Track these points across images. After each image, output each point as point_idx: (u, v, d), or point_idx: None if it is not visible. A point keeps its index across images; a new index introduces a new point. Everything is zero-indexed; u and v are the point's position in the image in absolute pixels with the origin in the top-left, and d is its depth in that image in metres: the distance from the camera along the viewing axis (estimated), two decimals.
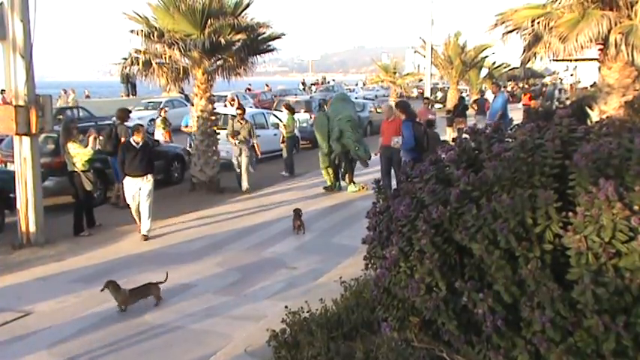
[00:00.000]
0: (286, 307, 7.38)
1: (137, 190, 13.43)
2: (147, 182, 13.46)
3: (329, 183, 17.90)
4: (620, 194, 3.65)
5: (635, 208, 3.61)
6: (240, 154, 18.48)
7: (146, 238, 13.30)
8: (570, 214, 3.78)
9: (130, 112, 18.53)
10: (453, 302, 4.16)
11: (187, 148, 20.54)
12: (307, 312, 7.07)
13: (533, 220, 3.90)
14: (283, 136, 22.04)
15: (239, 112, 19.17)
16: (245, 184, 18.40)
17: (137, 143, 13.48)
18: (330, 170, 17.90)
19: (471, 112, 27.23)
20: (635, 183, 3.73)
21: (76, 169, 13.56)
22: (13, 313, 9.16)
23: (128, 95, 47.22)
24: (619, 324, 3.47)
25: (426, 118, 19.75)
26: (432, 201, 4.55)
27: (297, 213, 13.77)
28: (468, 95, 46.95)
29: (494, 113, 21.01)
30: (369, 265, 5.29)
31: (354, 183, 17.86)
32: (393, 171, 15.96)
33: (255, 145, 19.05)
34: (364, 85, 77.82)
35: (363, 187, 17.52)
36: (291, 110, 23.05)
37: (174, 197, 17.54)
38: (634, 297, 3.52)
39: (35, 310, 9.27)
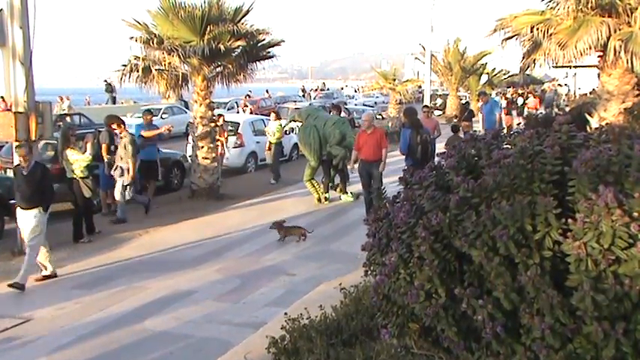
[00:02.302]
0: (285, 313, 7.38)
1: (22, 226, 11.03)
2: (30, 219, 10.84)
3: (316, 196, 17.50)
4: (620, 201, 3.65)
5: (635, 214, 3.61)
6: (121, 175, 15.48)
7: (20, 287, 10.42)
8: (570, 220, 3.78)
9: (118, 118, 18.50)
10: (453, 309, 4.16)
11: (185, 155, 20.51)
12: (307, 319, 7.06)
13: (532, 227, 3.90)
14: (271, 143, 21.61)
15: (116, 127, 16.05)
16: (119, 214, 15.52)
17: (23, 167, 11.00)
18: (315, 182, 17.58)
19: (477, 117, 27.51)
20: (635, 189, 3.73)
21: (74, 176, 13.56)
22: (13, 319, 9.15)
23: (107, 103, 46.95)
24: (618, 330, 3.47)
25: (431, 126, 19.71)
26: (432, 207, 4.55)
27: (277, 225, 13.46)
28: (467, 101, 47.01)
29: (493, 121, 20.92)
30: (369, 272, 5.29)
31: (348, 193, 17.65)
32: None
33: (131, 165, 15.38)
34: (356, 91, 78.03)
35: (359, 196, 17.38)
36: (279, 117, 22.85)
37: (174, 204, 17.52)
38: (633, 303, 3.52)
39: (34, 316, 9.26)
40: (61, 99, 41.65)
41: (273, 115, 22.59)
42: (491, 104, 22.19)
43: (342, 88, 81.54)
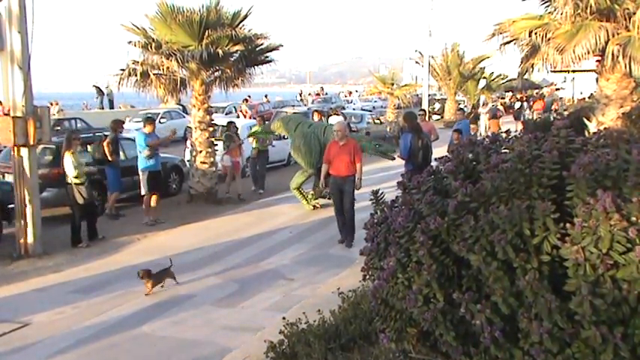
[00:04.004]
0: (284, 318, 7.38)
1: None
2: None
3: (304, 202, 17.26)
4: (618, 205, 3.65)
5: (633, 219, 3.62)
6: None
7: None
8: (568, 225, 3.78)
9: (123, 123, 18.36)
10: (451, 313, 4.16)
11: (184, 159, 20.47)
12: (305, 323, 7.07)
13: (530, 232, 3.90)
14: (259, 150, 20.56)
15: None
16: None
17: None
18: (303, 191, 17.35)
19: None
20: (633, 194, 3.74)
21: (70, 181, 13.48)
22: (11, 324, 9.13)
23: (103, 107, 46.72)
24: (617, 335, 3.47)
25: (428, 129, 19.55)
26: (430, 212, 4.55)
27: (144, 274, 10.54)
28: (465, 106, 47.09)
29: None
30: (367, 277, 5.29)
31: None
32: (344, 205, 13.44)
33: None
34: (344, 95, 78.43)
35: None
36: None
37: (172, 208, 17.50)
38: (632, 308, 3.52)
39: (33, 321, 9.25)
40: (56, 103, 41.63)
41: (258, 119, 22.31)
42: (463, 125, 20.42)
43: (350, 93, 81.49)
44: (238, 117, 33.12)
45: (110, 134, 16.47)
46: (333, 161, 13.32)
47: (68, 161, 13.40)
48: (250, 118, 33.62)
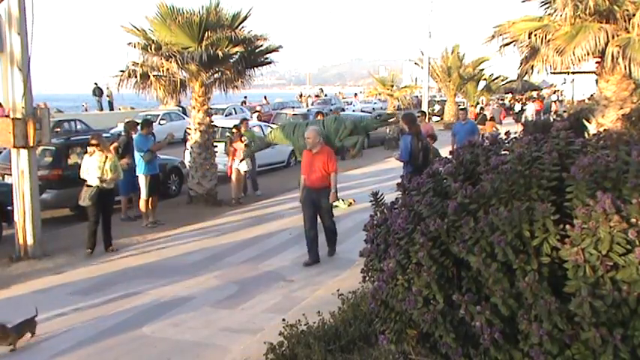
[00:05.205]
0: (284, 319, 7.38)
1: None
2: None
3: None
4: (618, 207, 3.65)
5: (633, 220, 3.61)
6: None
7: None
8: (568, 226, 3.78)
9: (138, 124, 18.26)
10: (451, 315, 4.15)
11: (183, 161, 20.39)
12: (305, 325, 7.07)
13: (530, 233, 3.90)
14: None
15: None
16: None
17: None
18: None
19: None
20: (633, 195, 3.73)
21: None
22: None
23: (102, 108, 46.42)
24: (616, 337, 3.46)
25: (426, 130, 19.47)
26: (430, 213, 4.55)
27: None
28: (465, 107, 47.19)
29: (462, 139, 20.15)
30: (367, 278, 5.28)
31: (342, 199, 17.15)
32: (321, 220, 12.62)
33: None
34: (342, 97, 78.54)
35: (352, 202, 17.25)
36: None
37: (172, 210, 17.50)
38: (631, 310, 3.51)
39: None
40: (45, 105, 41.46)
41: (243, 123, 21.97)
42: (470, 126, 20.17)
43: (356, 96, 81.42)
44: (251, 118, 33.08)
45: (122, 137, 16.36)
46: (306, 172, 12.36)
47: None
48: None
